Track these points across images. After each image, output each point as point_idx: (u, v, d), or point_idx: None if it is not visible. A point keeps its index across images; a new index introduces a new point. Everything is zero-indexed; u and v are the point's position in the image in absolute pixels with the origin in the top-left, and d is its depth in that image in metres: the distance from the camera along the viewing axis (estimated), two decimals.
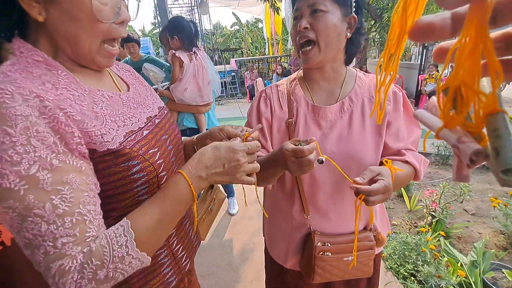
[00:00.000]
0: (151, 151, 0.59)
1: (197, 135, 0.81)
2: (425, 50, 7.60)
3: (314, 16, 0.77)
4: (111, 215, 0.57)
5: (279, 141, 0.88)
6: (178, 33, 2.06)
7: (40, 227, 0.42)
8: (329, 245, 0.84)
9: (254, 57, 13.78)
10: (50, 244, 0.42)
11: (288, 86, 0.90)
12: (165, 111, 0.74)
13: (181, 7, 9.94)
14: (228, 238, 2.49)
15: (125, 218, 0.50)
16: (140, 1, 0.66)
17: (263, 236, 1.08)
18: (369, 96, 0.84)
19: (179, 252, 0.69)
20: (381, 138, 0.83)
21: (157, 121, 0.67)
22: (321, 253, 0.83)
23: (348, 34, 0.80)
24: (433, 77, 6.85)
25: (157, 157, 0.60)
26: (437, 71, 6.91)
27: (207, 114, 2.36)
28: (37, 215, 0.42)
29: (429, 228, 2.27)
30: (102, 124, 0.52)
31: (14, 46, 0.51)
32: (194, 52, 2.14)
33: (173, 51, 2.07)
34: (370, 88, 0.85)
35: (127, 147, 0.54)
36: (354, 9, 0.79)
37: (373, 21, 7.84)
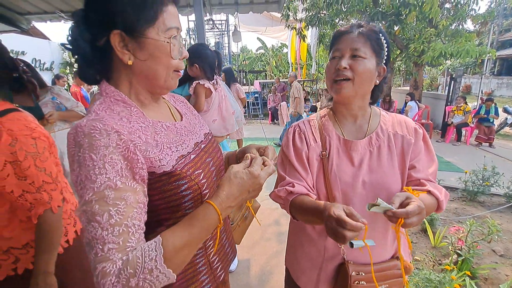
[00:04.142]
0: (196, 172, 0.70)
1: (239, 150, 0.90)
2: (452, 82, 7.49)
3: (354, 60, 0.86)
4: (164, 224, 0.69)
5: (315, 173, 0.94)
6: (200, 61, 1.95)
7: (97, 231, 0.53)
8: (363, 274, 0.87)
9: None
10: (100, 247, 0.52)
11: (319, 121, 1.00)
12: (210, 136, 0.85)
13: (214, 31, 10.62)
14: (246, 258, 2.52)
15: (158, 235, 0.57)
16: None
17: (285, 265, 1.10)
18: (393, 132, 0.94)
19: (215, 263, 0.78)
20: (405, 168, 0.92)
21: (202, 146, 0.78)
22: (356, 282, 0.86)
23: (377, 81, 0.92)
24: (460, 109, 6.71)
25: (201, 177, 0.71)
26: (465, 103, 6.77)
27: None
28: (96, 221, 0.53)
29: (454, 266, 2.19)
30: (160, 151, 0.65)
31: (101, 88, 0.67)
32: (216, 81, 2.07)
33: (197, 81, 1.97)
34: (394, 124, 0.96)
35: (178, 169, 0.66)
36: (384, 61, 0.90)
37: (399, 51, 7.91)
